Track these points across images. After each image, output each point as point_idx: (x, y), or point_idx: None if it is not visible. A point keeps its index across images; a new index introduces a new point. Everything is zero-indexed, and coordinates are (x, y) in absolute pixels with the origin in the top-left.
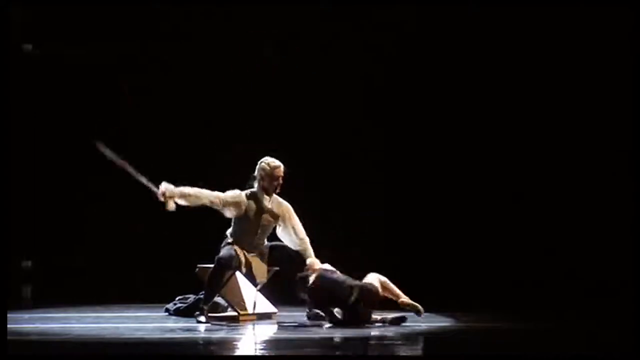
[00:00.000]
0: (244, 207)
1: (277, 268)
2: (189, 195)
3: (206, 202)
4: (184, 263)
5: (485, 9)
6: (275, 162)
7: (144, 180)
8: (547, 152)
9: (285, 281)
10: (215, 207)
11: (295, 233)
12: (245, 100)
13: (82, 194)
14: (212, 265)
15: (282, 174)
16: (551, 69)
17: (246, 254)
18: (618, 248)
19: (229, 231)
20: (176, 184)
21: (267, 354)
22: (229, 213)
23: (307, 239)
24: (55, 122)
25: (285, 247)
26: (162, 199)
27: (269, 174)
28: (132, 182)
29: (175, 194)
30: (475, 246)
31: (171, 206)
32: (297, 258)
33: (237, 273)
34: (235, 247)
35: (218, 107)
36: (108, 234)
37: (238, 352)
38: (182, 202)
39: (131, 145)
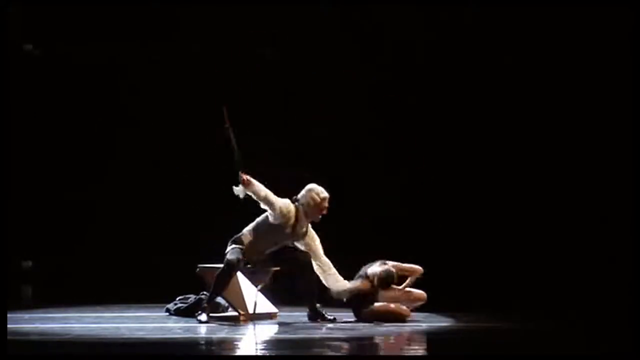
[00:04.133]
0: (287, 221)
1: (278, 268)
2: (257, 187)
3: (262, 197)
4: (184, 263)
5: (485, 9)
6: (325, 193)
7: (237, 153)
8: (546, 152)
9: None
10: (266, 207)
11: (316, 257)
12: (244, 100)
13: (82, 194)
14: (212, 266)
15: (327, 205)
16: (551, 69)
17: (250, 256)
18: (618, 248)
19: (246, 230)
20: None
21: (267, 354)
22: (272, 218)
23: (329, 265)
24: (55, 122)
25: (287, 250)
26: (241, 180)
27: (318, 205)
28: (132, 183)
29: (252, 185)
30: (475, 246)
31: (240, 192)
32: (300, 259)
33: (238, 273)
34: (242, 250)
35: (217, 106)
36: (108, 234)
37: (238, 352)
38: (249, 191)
39: (130, 145)
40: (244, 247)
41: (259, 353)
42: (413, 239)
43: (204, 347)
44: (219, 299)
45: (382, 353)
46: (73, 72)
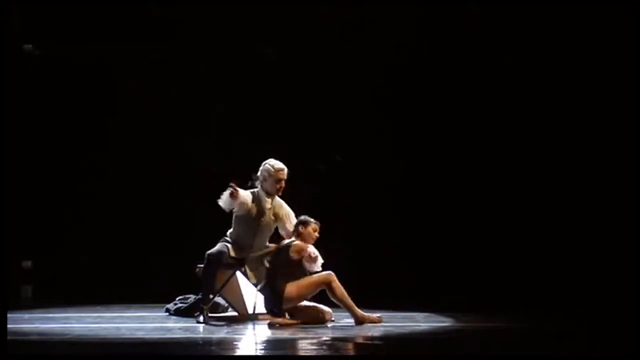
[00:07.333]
0: (248, 207)
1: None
2: (243, 197)
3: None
4: (184, 263)
5: (485, 9)
6: (279, 164)
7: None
8: (547, 152)
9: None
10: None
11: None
12: (244, 100)
13: (83, 194)
14: None
15: (285, 177)
16: (551, 69)
17: (240, 253)
18: (618, 248)
19: (229, 232)
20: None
21: (267, 354)
22: (236, 208)
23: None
24: (55, 122)
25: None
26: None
27: (272, 176)
28: (132, 182)
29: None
30: (476, 246)
31: (227, 204)
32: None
33: (238, 273)
34: (228, 245)
35: (216, 107)
36: (108, 235)
37: (238, 352)
38: (237, 203)
39: (129, 145)
40: (230, 243)
41: (259, 353)
42: (413, 239)
43: (203, 347)
44: (219, 299)
45: (381, 353)
46: (72, 72)
